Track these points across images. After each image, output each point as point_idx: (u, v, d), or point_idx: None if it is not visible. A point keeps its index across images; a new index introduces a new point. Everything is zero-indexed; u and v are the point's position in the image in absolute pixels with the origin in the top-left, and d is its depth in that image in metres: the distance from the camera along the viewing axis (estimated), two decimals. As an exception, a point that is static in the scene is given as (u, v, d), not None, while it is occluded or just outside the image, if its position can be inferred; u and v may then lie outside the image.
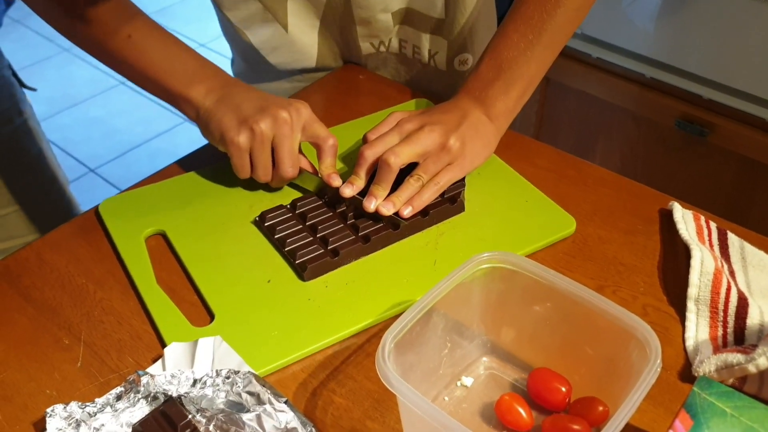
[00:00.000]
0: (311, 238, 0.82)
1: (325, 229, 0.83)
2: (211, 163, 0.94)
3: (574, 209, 0.86)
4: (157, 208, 0.88)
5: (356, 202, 0.84)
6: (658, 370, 0.58)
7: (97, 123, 2.82)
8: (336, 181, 0.85)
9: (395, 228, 0.83)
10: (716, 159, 1.62)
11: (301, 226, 0.83)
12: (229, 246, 0.83)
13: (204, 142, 0.93)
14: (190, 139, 0.92)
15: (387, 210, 0.82)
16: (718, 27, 1.49)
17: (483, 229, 0.84)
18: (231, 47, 1.19)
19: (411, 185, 0.83)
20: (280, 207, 0.85)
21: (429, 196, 0.84)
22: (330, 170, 0.87)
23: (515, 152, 0.95)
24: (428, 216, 0.84)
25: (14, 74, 1.19)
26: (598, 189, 0.90)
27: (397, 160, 0.82)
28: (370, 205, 0.82)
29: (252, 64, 1.15)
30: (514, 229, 0.84)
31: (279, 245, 0.82)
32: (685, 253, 0.80)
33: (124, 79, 2.97)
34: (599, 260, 0.82)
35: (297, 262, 0.79)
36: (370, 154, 0.84)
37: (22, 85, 1.21)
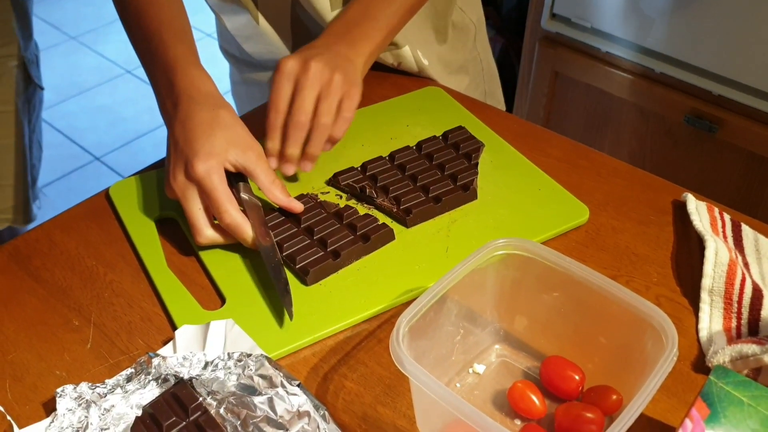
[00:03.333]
0: (309, 241, 0.80)
1: (321, 231, 0.80)
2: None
3: (586, 199, 0.86)
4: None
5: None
6: (674, 358, 0.57)
7: (104, 111, 2.81)
8: (295, 205, 0.81)
9: (404, 223, 0.82)
10: (725, 155, 1.61)
11: (296, 229, 0.81)
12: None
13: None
14: None
15: (306, 167, 0.83)
16: (729, 22, 1.49)
17: (495, 217, 0.84)
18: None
19: (321, 131, 0.82)
20: (272, 210, 0.82)
21: (344, 129, 0.83)
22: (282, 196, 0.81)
23: (528, 141, 0.94)
24: (440, 203, 0.83)
25: (26, 69, 1.19)
26: (611, 179, 0.90)
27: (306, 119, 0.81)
28: (290, 171, 0.83)
29: (236, 52, 1.14)
30: (527, 218, 0.83)
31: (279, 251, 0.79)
32: (698, 244, 0.80)
33: (130, 68, 2.98)
34: (612, 250, 0.81)
35: (298, 266, 0.77)
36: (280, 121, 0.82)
37: (31, 80, 1.20)
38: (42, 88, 1.26)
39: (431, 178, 0.86)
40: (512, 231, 0.82)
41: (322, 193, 0.87)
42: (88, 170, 2.57)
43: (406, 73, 1.07)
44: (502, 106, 1.23)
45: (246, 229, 0.77)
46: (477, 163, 0.89)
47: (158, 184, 0.89)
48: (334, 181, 0.88)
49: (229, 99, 0.98)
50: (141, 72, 2.95)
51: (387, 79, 1.06)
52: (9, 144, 1.19)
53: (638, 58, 1.66)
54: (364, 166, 0.88)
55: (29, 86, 1.21)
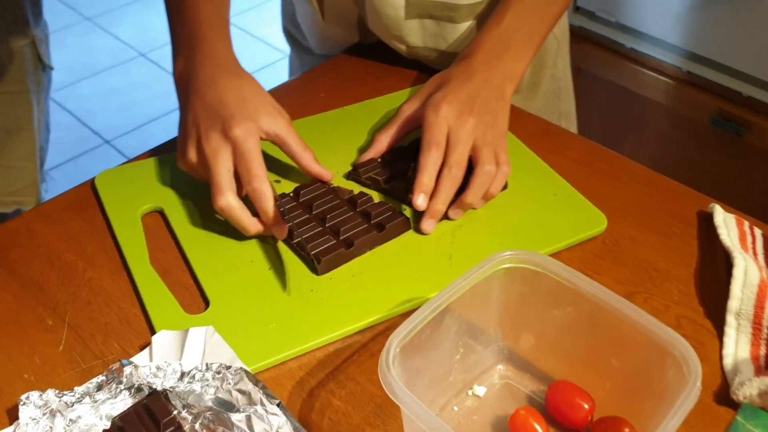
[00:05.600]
0: (321, 228, 0.76)
1: (334, 218, 0.76)
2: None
3: (605, 206, 0.80)
4: (157, 183, 0.83)
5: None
6: (698, 393, 0.51)
7: (116, 94, 2.77)
8: (326, 173, 0.79)
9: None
10: (752, 159, 1.55)
11: (308, 216, 0.77)
12: (230, 229, 0.77)
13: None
14: None
15: (456, 215, 0.78)
16: (763, 19, 1.42)
17: (505, 222, 0.78)
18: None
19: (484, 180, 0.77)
20: (283, 196, 0.78)
21: (498, 185, 0.78)
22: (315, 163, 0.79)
23: (544, 142, 0.88)
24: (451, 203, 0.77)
25: (36, 50, 1.14)
26: (632, 185, 0.83)
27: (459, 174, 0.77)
28: (430, 228, 0.77)
29: (299, 37, 1.11)
30: (539, 225, 0.77)
31: (288, 238, 0.76)
32: (725, 261, 0.73)
33: (144, 51, 2.94)
34: (630, 264, 0.75)
35: (310, 254, 0.73)
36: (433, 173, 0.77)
37: (41, 60, 1.16)
38: (51, 68, 1.21)
39: None
40: (522, 239, 0.76)
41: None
42: (97, 153, 2.53)
43: (421, 67, 1.00)
44: (574, 129, 1.16)
45: (270, 200, 0.73)
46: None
47: (149, 175, 0.84)
48: (354, 174, 0.83)
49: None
50: (155, 56, 2.92)
51: (395, 72, 1.01)
52: (19, 125, 1.15)
53: (665, 55, 1.61)
54: (384, 157, 0.84)
55: (39, 66, 1.17)
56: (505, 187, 0.80)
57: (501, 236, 0.76)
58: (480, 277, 0.60)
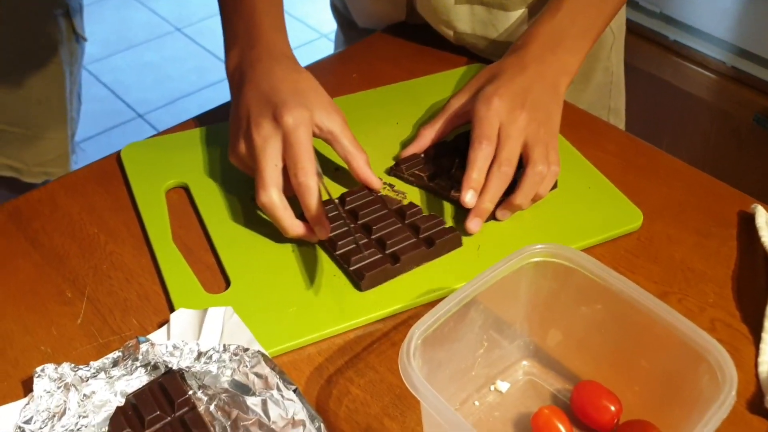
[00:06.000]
0: (366, 240, 0.71)
1: (380, 230, 0.72)
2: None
3: (641, 202, 0.77)
4: (183, 158, 0.82)
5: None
6: (732, 402, 0.49)
7: (150, 68, 2.77)
8: (376, 181, 0.75)
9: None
10: (796, 161, 1.51)
11: (353, 225, 0.72)
12: (254, 208, 0.76)
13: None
14: None
15: (504, 216, 0.74)
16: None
17: (536, 214, 0.75)
18: None
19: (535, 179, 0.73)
20: (329, 202, 0.73)
21: (551, 185, 0.75)
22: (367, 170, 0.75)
23: (582, 133, 0.85)
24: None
25: (70, 20, 1.14)
26: (671, 182, 0.80)
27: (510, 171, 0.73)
28: (476, 227, 0.73)
29: (344, 11, 1.09)
30: (573, 218, 0.75)
31: (329, 248, 0.71)
32: (765, 264, 0.71)
33: (181, 26, 2.94)
34: (665, 263, 0.72)
35: (352, 269, 0.69)
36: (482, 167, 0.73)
37: (75, 31, 1.15)
38: (85, 39, 1.21)
39: None
40: (554, 233, 0.73)
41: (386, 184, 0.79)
42: (129, 127, 2.53)
43: (458, 50, 0.98)
44: (622, 125, 1.13)
45: (315, 196, 0.68)
46: None
47: (175, 149, 0.83)
48: (396, 170, 0.79)
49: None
50: (191, 31, 2.91)
51: (432, 54, 0.98)
52: (51, 96, 1.15)
53: (709, 49, 1.56)
54: (428, 152, 0.80)
55: (72, 37, 1.16)
56: (554, 186, 0.76)
57: (531, 229, 0.74)
58: (509, 270, 0.58)
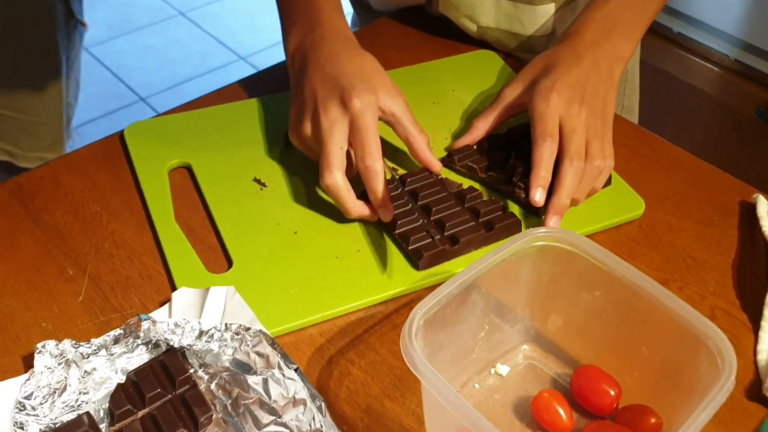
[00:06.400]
0: (424, 221, 0.71)
1: (440, 212, 0.72)
2: (258, 95, 0.86)
3: (643, 190, 0.77)
4: (187, 138, 0.81)
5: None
6: (731, 388, 0.49)
7: (153, 52, 2.76)
8: (436, 163, 0.75)
9: (536, 213, 0.74)
10: (797, 155, 1.51)
11: (413, 206, 0.72)
12: (258, 189, 0.76)
13: (256, 70, 0.85)
14: (245, 77, 0.88)
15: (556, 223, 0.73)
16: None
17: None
18: None
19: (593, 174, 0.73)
20: (389, 181, 0.73)
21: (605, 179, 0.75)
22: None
23: (584, 120, 0.85)
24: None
25: (68, 5, 1.13)
26: (673, 171, 0.80)
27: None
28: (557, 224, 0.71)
29: None
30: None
31: (390, 228, 0.71)
32: (765, 253, 0.71)
33: (184, 10, 2.93)
34: (666, 250, 0.72)
35: (410, 248, 0.69)
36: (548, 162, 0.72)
37: (73, 16, 1.15)
38: (84, 25, 1.20)
39: None
40: (556, 218, 0.73)
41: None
42: (131, 110, 2.53)
43: (460, 37, 0.98)
44: (635, 122, 1.11)
45: (381, 179, 0.69)
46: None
47: (179, 129, 0.82)
48: (449, 161, 0.79)
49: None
50: (194, 15, 2.90)
51: (436, 41, 0.98)
52: (46, 81, 1.14)
53: (713, 41, 1.56)
54: (480, 144, 0.79)
55: (70, 21, 1.16)
56: (608, 182, 0.76)
57: (535, 214, 0.74)
58: (511, 253, 0.58)
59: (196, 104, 0.87)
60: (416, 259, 0.68)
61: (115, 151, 0.81)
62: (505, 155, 0.77)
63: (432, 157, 0.74)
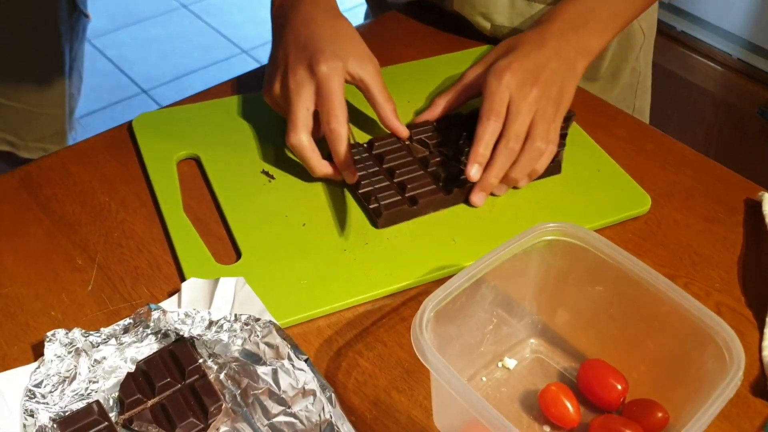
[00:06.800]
0: (387, 183, 0.74)
1: (403, 174, 0.74)
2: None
3: (649, 187, 0.77)
4: (195, 130, 0.82)
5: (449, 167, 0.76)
6: (738, 383, 0.49)
7: (156, 44, 2.76)
8: (403, 130, 0.77)
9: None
10: (799, 155, 1.51)
11: (377, 168, 0.75)
12: (266, 181, 0.76)
13: (259, 64, 0.85)
14: (247, 70, 0.88)
15: (501, 191, 0.75)
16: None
17: (546, 195, 0.76)
18: None
19: (533, 156, 0.74)
20: (357, 145, 0.76)
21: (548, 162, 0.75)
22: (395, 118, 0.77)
23: (592, 117, 0.86)
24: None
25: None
26: (679, 168, 0.81)
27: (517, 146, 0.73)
28: (481, 201, 0.74)
29: None
30: (582, 200, 0.75)
31: (354, 189, 0.75)
32: (771, 250, 0.71)
33: (187, 3, 2.92)
34: (672, 246, 0.73)
35: (371, 207, 0.72)
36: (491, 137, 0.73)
37: (76, 7, 1.15)
38: (87, 16, 1.20)
39: None
40: (563, 213, 0.74)
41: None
42: (133, 102, 2.53)
43: (468, 34, 0.98)
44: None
45: (344, 142, 0.71)
46: (566, 134, 0.80)
47: (187, 121, 0.83)
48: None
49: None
50: (197, 8, 2.90)
51: (444, 36, 0.98)
52: (49, 71, 1.14)
53: (715, 40, 1.56)
54: (440, 123, 0.81)
55: (74, 12, 1.16)
56: (558, 170, 0.77)
57: (541, 209, 0.75)
58: (520, 248, 0.58)
59: (201, 97, 0.87)
60: (376, 218, 0.72)
61: (123, 142, 0.81)
62: (460, 135, 0.78)
63: (399, 124, 0.76)
